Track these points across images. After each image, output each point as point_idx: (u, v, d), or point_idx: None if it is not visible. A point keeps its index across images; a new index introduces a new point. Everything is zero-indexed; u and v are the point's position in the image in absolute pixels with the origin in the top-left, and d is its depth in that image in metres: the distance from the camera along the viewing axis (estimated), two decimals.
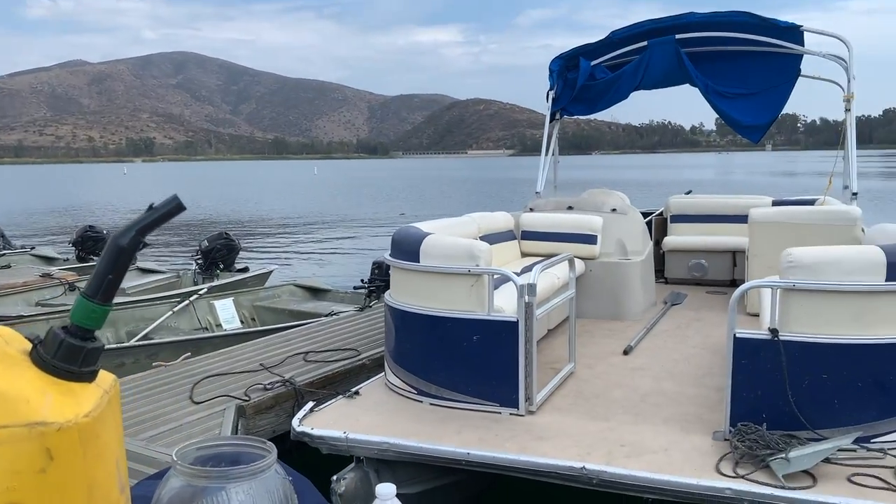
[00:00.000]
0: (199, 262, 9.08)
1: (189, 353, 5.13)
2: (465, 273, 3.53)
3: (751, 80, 6.55)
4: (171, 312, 7.02)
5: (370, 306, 6.87)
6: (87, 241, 10.98)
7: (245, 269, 9.44)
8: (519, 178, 62.52)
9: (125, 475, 0.81)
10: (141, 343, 5.98)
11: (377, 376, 4.16)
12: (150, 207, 0.78)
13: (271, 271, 9.71)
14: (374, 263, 7.71)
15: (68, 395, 0.73)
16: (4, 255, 11.14)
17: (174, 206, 0.78)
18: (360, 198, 39.91)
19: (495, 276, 3.57)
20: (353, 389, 3.90)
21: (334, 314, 6.76)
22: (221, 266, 9.07)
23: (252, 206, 34.27)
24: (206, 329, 7.14)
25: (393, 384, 3.86)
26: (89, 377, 0.76)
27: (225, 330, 7.07)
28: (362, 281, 7.63)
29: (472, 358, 3.52)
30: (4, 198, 45.24)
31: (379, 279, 7.51)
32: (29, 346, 0.76)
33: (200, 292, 7.48)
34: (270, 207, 32.19)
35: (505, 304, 3.58)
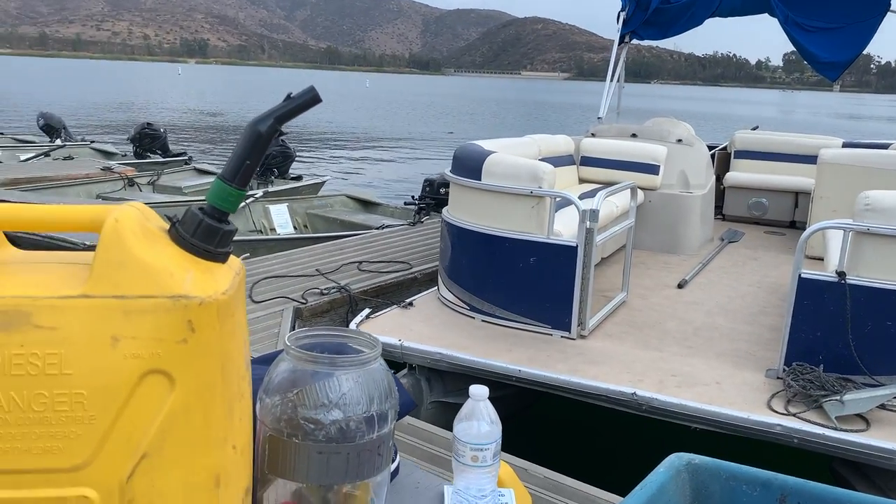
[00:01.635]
0: None
1: (248, 254, 5.25)
2: (528, 194, 3.51)
3: (835, 12, 6.20)
4: None
5: (421, 222, 6.92)
6: (145, 139, 11.15)
7: (299, 178, 9.54)
8: (574, 102, 61.12)
9: (248, 354, 0.84)
10: None
11: (430, 290, 4.23)
12: (288, 97, 0.78)
13: (324, 181, 9.80)
14: (425, 181, 7.71)
15: (206, 273, 0.75)
16: (66, 146, 11.41)
17: (311, 97, 0.78)
18: (410, 114, 39.58)
19: (556, 200, 3.54)
20: (408, 300, 3.97)
21: (385, 227, 6.82)
22: (276, 172, 9.18)
23: (306, 116, 34.28)
24: (261, 232, 7.29)
25: (446, 299, 3.92)
26: (223, 258, 0.78)
27: (279, 234, 7.21)
28: (413, 197, 7.66)
29: (527, 279, 3.54)
30: (64, 91, 45.95)
31: (430, 196, 7.52)
32: (164, 223, 0.79)
33: (256, 196, 7.60)
34: (323, 118, 32.16)
35: (563, 229, 3.57)
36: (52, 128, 12.68)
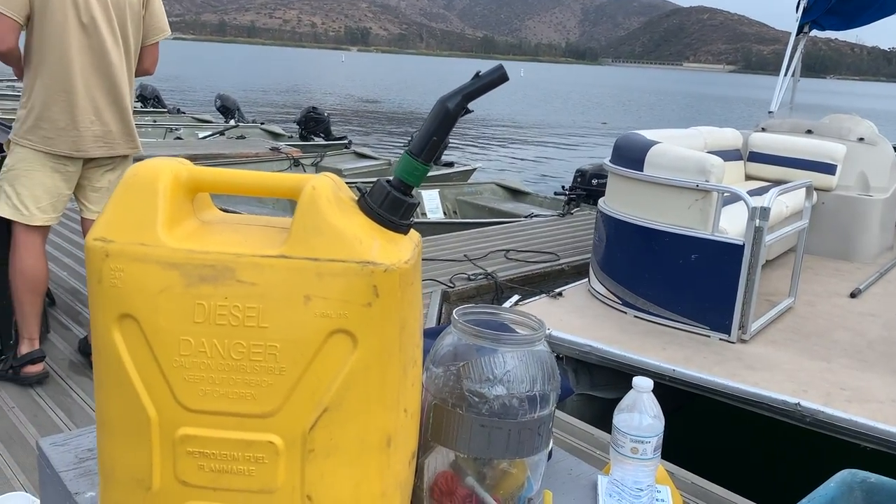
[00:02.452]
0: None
1: None
2: (693, 188, 3.36)
3: None
4: None
5: (571, 213, 6.83)
6: (310, 122, 11.74)
7: (450, 164, 9.68)
8: (740, 96, 57.93)
9: (422, 323, 0.87)
10: None
11: (580, 281, 4.17)
12: (477, 75, 0.80)
13: (475, 169, 9.89)
14: (577, 171, 7.59)
15: (391, 242, 0.78)
16: (239, 126, 12.26)
17: (498, 76, 0.79)
18: (563, 104, 39.10)
19: (724, 195, 3.38)
20: (557, 290, 3.94)
21: (533, 217, 6.79)
22: None
23: None
24: None
25: (597, 291, 3.85)
26: (405, 230, 0.81)
27: (429, 218, 7.37)
28: (563, 188, 7.57)
29: (687, 277, 3.41)
30: (239, 74, 49.34)
31: (581, 187, 7.40)
32: (353, 195, 0.83)
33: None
34: (476, 106, 32.44)
35: (729, 226, 3.40)
36: (227, 109, 13.67)
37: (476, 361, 0.93)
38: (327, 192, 0.77)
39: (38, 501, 1.86)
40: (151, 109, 13.98)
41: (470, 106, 0.82)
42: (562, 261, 5.00)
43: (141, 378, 0.76)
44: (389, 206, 0.79)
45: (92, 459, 1.13)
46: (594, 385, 3.31)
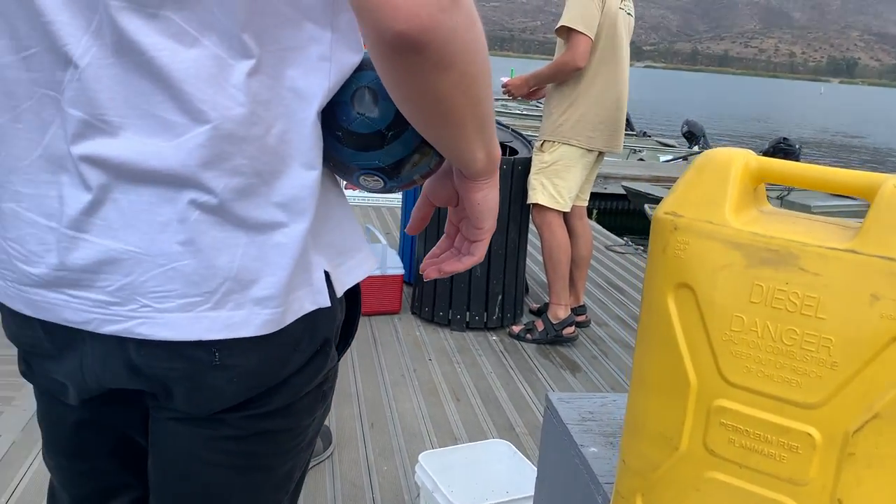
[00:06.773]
0: None
1: None
2: None
3: None
4: None
5: None
6: (778, 153, 11.07)
7: None
8: None
9: None
10: None
11: None
12: None
13: None
14: None
15: None
16: (702, 153, 12.14)
17: None
18: None
19: None
20: None
21: None
22: None
23: None
24: None
25: None
26: None
27: None
28: None
29: None
30: (706, 102, 48.88)
31: None
32: None
33: None
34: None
35: None
36: (693, 135, 13.68)
37: None
38: None
39: (515, 449, 2.14)
40: None
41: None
42: None
43: (687, 344, 0.82)
44: None
45: (592, 420, 1.26)
46: None
